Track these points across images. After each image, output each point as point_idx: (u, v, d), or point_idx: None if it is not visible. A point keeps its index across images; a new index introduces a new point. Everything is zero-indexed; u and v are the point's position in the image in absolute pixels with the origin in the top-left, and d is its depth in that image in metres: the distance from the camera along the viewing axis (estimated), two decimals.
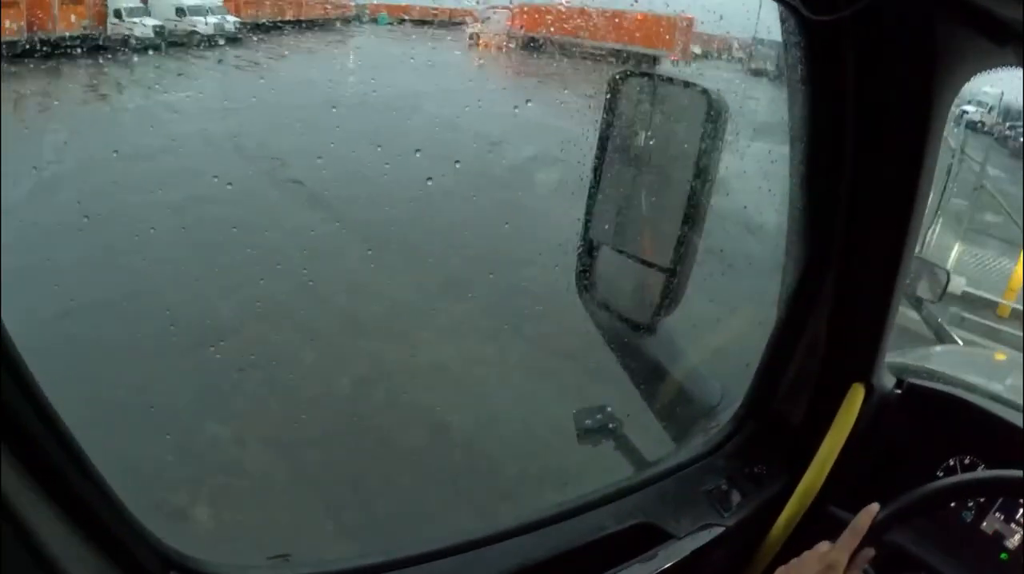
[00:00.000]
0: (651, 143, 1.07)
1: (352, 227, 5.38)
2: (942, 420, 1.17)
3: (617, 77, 1.06)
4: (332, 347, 3.91)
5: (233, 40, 10.12)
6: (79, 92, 6.63)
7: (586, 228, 1.10)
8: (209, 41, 9.81)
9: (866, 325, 0.99)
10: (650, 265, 1.06)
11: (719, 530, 1.00)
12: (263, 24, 10.44)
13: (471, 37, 10.74)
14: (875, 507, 0.84)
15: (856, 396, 1.03)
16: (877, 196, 0.85)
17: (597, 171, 1.08)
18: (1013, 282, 6.07)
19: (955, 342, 1.88)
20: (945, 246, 6.51)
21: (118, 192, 5.03)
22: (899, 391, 1.14)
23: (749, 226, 3.10)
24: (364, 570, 0.80)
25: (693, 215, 1.01)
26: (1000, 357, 2.22)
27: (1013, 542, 1.14)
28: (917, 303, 1.69)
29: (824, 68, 0.80)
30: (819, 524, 1.01)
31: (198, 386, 3.32)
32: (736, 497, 1.04)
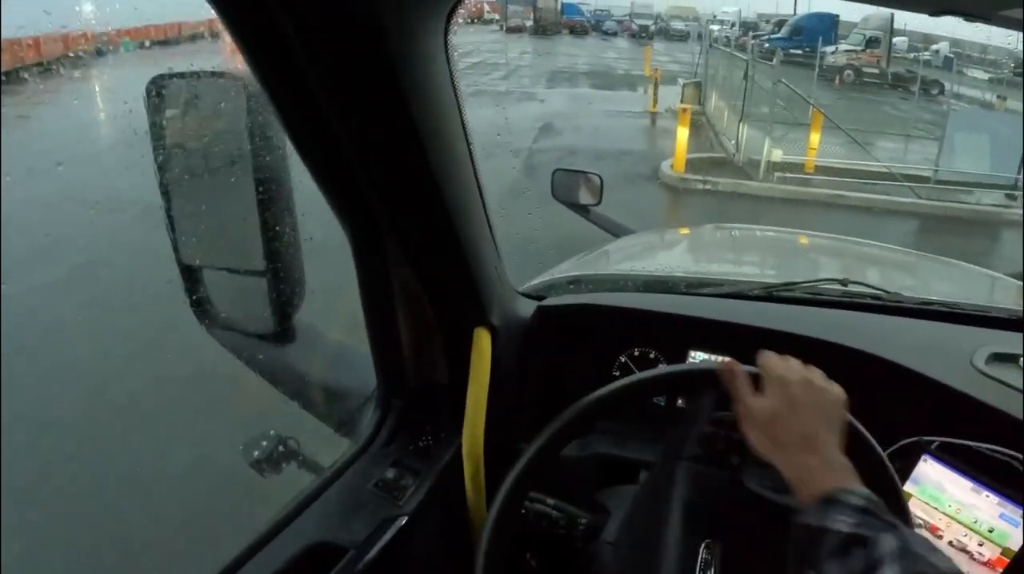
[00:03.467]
0: (205, 147, 1.02)
1: None
2: (589, 330, 1.24)
3: (152, 83, 0.98)
4: None
5: None
6: None
7: (176, 253, 1.03)
8: None
9: (457, 270, 1.00)
10: (255, 273, 1.02)
11: (401, 521, 0.98)
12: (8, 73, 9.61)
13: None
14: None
15: (482, 340, 1.05)
16: (383, 148, 0.82)
17: (164, 191, 1.01)
18: (811, 144, 9.27)
19: (630, 232, 2.04)
20: (756, 138, 9.13)
21: None
22: (537, 318, 1.18)
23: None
24: None
25: (275, 209, 0.96)
26: (682, 232, 2.40)
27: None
28: (584, 210, 1.77)
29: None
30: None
31: None
32: (408, 480, 1.03)
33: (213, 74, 1.03)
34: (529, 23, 35.06)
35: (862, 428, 0.87)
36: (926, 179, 8.74)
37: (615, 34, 37.94)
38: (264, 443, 1.11)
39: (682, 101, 12.94)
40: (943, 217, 8.11)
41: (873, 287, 1.40)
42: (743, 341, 1.15)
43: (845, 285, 1.40)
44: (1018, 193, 8.33)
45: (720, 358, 1.20)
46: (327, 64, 0.69)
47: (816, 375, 0.82)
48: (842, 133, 9.43)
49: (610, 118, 12.45)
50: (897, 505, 0.85)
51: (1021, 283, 1.90)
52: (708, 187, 8.55)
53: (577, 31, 37.37)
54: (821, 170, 9.14)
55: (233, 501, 2.64)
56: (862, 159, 9.19)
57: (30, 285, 4.97)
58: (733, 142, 9.87)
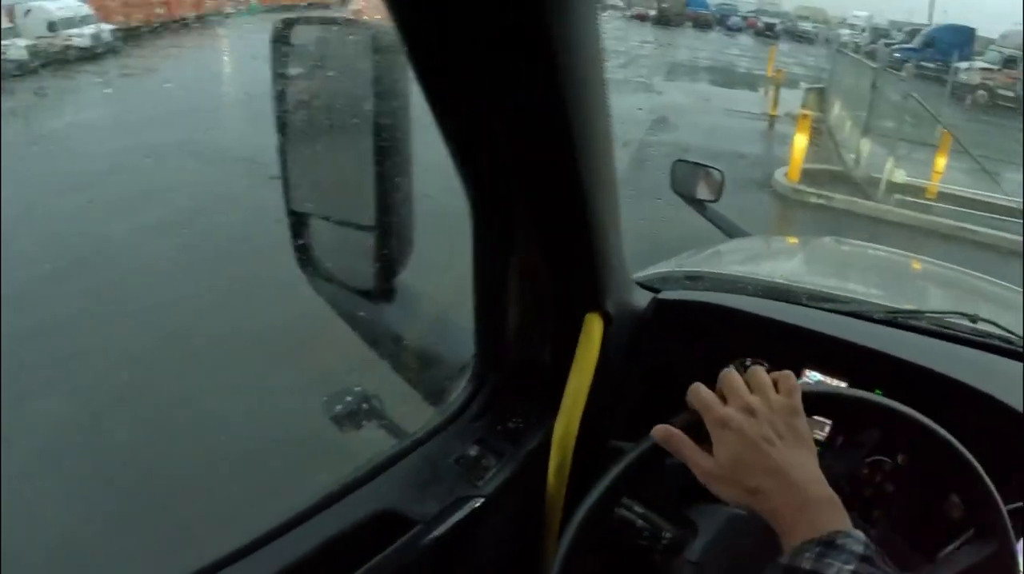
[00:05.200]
0: (327, 95, 1.03)
1: None
2: (706, 330, 1.18)
3: (279, 26, 1.00)
4: None
5: (113, 49, 10.00)
6: None
7: (287, 200, 1.06)
8: (89, 53, 9.69)
9: (580, 253, 0.97)
10: (365, 227, 1.03)
11: (477, 502, 0.96)
12: (138, 28, 10.28)
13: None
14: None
15: (592, 326, 1.02)
16: (528, 125, 0.78)
17: (282, 135, 1.02)
18: (936, 167, 8.65)
19: (743, 234, 1.96)
20: (879, 154, 8.78)
21: (95, 224, 5.15)
22: (652, 310, 1.14)
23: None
24: None
25: (393, 166, 0.96)
26: (792, 241, 2.27)
27: (822, 434, 1.17)
28: (700, 206, 1.69)
29: None
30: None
31: None
32: (491, 461, 1.01)
33: (343, 21, 1.05)
34: (653, 12, 34.58)
35: (984, 475, 0.80)
36: None
37: (739, 30, 36.78)
38: (348, 398, 1.13)
39: (803, 107, 12.64)
40: None
41: (1005, 329, 1.29)
42: (864, 365, 1.08)
43: (974, 322, 1.30)
44: None
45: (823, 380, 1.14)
46: (477, 25, 0.67)
47: (756, 396, 0.75)
48: (969, 158, 8.81)
49: (727, 117, 12.20)
50: (1008, 564, 0.78)
51: None
52: (822, 201, 8.14)
53: (700, 24, 36.55)
54: (944, 197, 8.41)
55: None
56: (990, 191, 8.42)
57: (132, 226, 5.31)
58: (853, 156, 9.38)
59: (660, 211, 3.10)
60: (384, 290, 1.06)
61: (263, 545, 0.85)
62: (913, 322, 1.27)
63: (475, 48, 0.68)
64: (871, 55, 13.34)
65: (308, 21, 1.05)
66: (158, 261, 4.84)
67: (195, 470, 2.92)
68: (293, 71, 1.02)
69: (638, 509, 0.97)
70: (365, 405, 1.13)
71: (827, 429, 1.17)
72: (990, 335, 1.26)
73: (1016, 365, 1.16)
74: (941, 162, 8.74)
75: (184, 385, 3.58)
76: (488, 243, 0.95)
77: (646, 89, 13.69)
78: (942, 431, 0.83)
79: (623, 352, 1.12)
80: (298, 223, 1.08)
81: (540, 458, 1.01)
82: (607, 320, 1.03)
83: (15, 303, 4.08)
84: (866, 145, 9.03)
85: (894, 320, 1.26)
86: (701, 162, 1.75)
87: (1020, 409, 1.04)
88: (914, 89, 9.27)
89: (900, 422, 0.84)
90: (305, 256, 1.10)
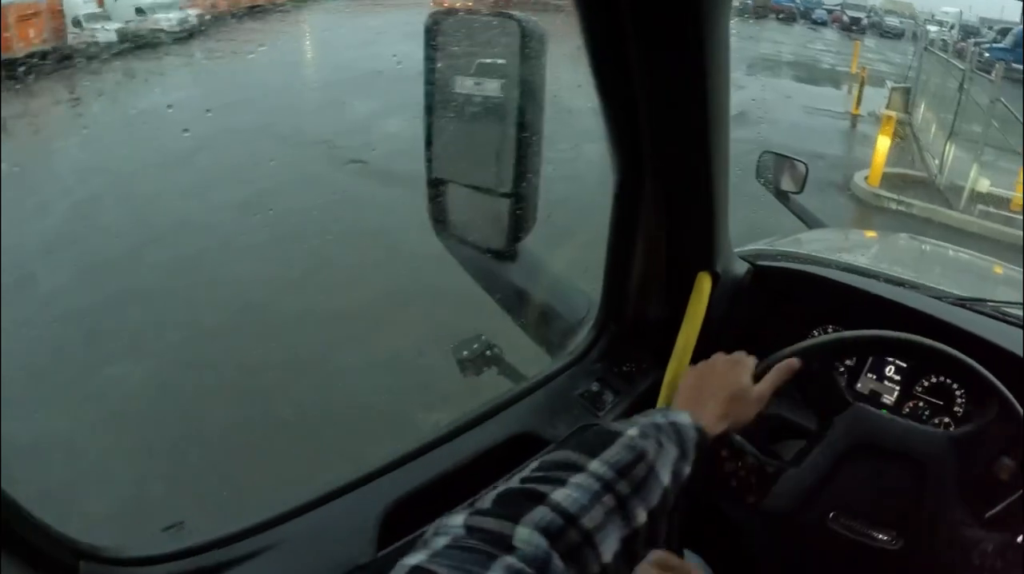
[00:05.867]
0: (475, 79, 1.20)
1: None
2: (797, 297, 1.32)
3: (432, 18, 1.18)
4: None
5: (199, 32, 10.36)
6: (66, 108, 6.92)
7: (429, 168, 1.24)
8: (176, 37, 10.04)
9: (699, 219, 1.13)
10: (497, 194, 1.20)
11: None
12: (221, 14, 10.70)
13: None
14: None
15: (703, 285, 1.18)
16: (669, 108, 0.96)
17: (429, 112, 1.20)
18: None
19: (823, 226, 2.04)
20: (963, 159, 8.24)
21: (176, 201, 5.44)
22: (751, 275, 1.28)
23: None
24: (260, 527, 0.86)
25: (528, 143, 1.14)
26: (870, 235, 2.30)
27: (891, 398, 1.29)
28: (783, 196, 1.81)
29: None
30: None
31: None
32: (609, 396, 1.19)
33: (491, 14, 1.21)
34: (737, 3, 33.78)
35: None
36: None
37: (824, 24, 35.58)
38: (475, 345, 1.30)
39: (888, 107, 11.95)
40: None
41: None
42: (943, 339, 1.20)
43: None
44: None
45: None
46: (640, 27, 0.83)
47: None
48: None
49: (808, 115, 11.81)
50: None
51: None
52: (902, 208, 7.81)
53: (784, 17, 35.59)
54: None
55: None
56: None
57: (217, 203, 5.62)
58: (936, 161, 8.94)
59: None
60: (511, 251, 1.24)
61: (413, 459, 1.02)
62: (979, 308, 1.37)
63: (637, 46, 0.84)
64: (960, 54, 12.71)
65: (455, 14, 1.22)
66: (237, 237, 5.12)
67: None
68: (441, 57, 1.20)
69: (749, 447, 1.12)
70: (488, 352, 1.30)
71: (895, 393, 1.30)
72: None
73: None
74: None
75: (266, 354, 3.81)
76: (624, 207, 1.12)
77: None
78: (1004, 390, 0.95)
79: (723, 311, 1.26)
80: (436, 188, 1.26)
81: (650, 397, 1.16)
82: (715, 279, 1.19)
83: (98, 274, 4.46)
84: (950, 150, 8.60)
85: (964, 304, 1.36)
86: (787, 154, 1.85)
87: None
88: (1005, 93, 8.67)
89: (970, 376, 0.96)
90: (441, 218, 1.28)
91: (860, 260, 1.89)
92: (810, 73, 17.29)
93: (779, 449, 1.17)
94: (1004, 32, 26.31)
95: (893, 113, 8.60)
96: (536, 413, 1.13)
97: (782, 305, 1.34)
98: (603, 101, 0.95)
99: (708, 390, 0.93)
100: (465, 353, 1.30)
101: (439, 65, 1.20)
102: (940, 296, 1.38)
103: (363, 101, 7.75)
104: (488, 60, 1.19)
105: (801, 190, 1.83)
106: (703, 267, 1.18)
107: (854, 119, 11.78)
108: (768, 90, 13.09)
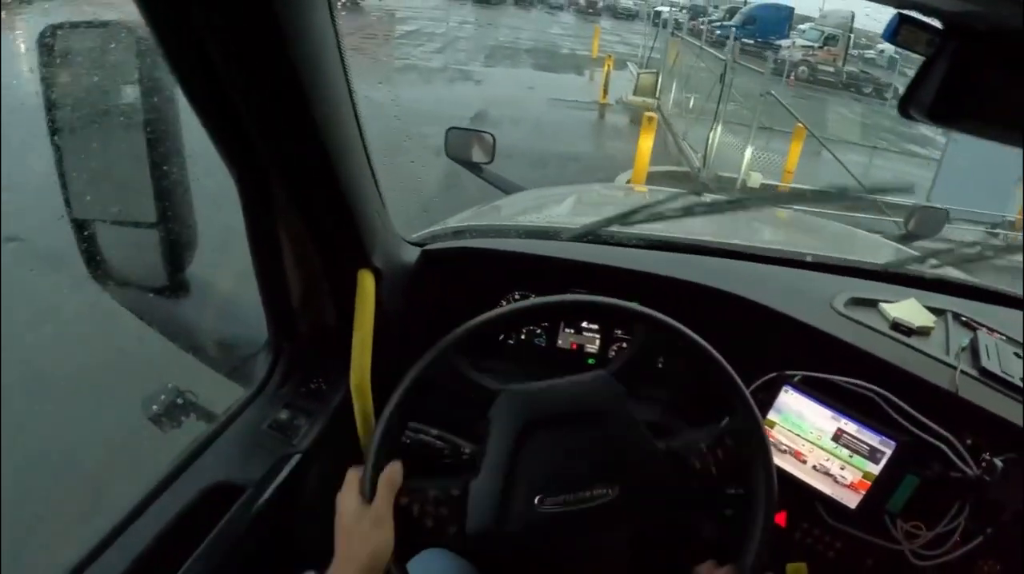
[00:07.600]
0: (96, 97, 1.08)
1: None
2: (471, 274, 1.41)
3: (46, 32, 1.04)
4: None
5: None
6: None
7: (68, 208, 1.09)
8: None
9: (341, 217, 1.06)
10: (147, 224, 1.08)
11: (295, 458, 1.08)
12: None
13: None
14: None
15: (365, 282, 1.13)
16: (275, 103, 0.88)
17: (56, 146, 1.05)
18: (788, 167, 8.60)
19: (521, 189, 2.22)
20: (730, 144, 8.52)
21: None
22: (420, 262, 1.31)
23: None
24: None
25: (165, 158, 1.03)
26: (563, 189, 2.62)
27: (594, 347, 1.46)
28: (476, 168, 2.01)
29: None
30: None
31: None
32: (301, 421, 1.13)
33: (102, 23, 1.09)
34: None
35: (726, 365, 1.00)
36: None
37: (561, 8, 37.98)
38: (163, 397, 1.17)
39: (635, 93, 12.31)
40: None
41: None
42: (622, 285, 1.30)
43: (699, 195, 1.62)
44: (999, 231, 8.00)
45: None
46: (216, 22, 0.77)
47: None
48: (809, 143, 8.57)
49: (553, 108, 11.43)
50: (758, 435, 0.98)
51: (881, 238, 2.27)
52: None
53: (522, 2, 37.40)
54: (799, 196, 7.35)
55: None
56: (844, 182, 7.80)
57: None
58: (700, 154, 8.84)
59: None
60: (176, 284, 1.14)
61: (110, 543, 0.93)
62: (667, 243, 1.53)
63: (216, 43, 0.79)
64: (694, 32, 13.91)
65: (73, 26, 1.09)
66: None
67: None
68: (59, 79, 1.06)
69: (433, 431, 1.12)
70: (180, 400, 1.18)
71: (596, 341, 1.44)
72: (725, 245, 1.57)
73: (757, 266, 1.50)
74: (794, 160, 8.56)
75: None
76: (257, 218, 1.04)
77: (464, 78, 13.02)
78: (689, 334, 1.01)
79: (400, 303, 1.25)
80: (84, 232, 1.12)
81: (346, 409, 1.11)
82: (378, 275, 1.15)
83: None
84: (715, 141, 8.51)
85: (649, 244, 1.51)
86: (472, 127, 2.01)
87: (754, 299, 1.31)
88: (737, 67, 8.70)
89: (655, 328, 1.01)
90: (96, 264, 1.14)
91: (550, 217, 2.08)
92: (551, 60, 17.49)
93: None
94: (732, 12, 29.92)
95: (654, 115, 7.99)
96: (225, 458, 1.06)
97: (459, 284, 1.38)
98: (195, 104, 0.87)
99: (338, 542, 0.89)
100: (155, 407, 1.18)
101: (56, 87, 1.06)
102: (623, 241, 1.53)
103: None
104: (108, 75, 1.08)
105: (491, 160, 1.98)
106: (362, 265, 1.13)
107: (602, 108, 11.81)
108: (509, 81, 12.98)
